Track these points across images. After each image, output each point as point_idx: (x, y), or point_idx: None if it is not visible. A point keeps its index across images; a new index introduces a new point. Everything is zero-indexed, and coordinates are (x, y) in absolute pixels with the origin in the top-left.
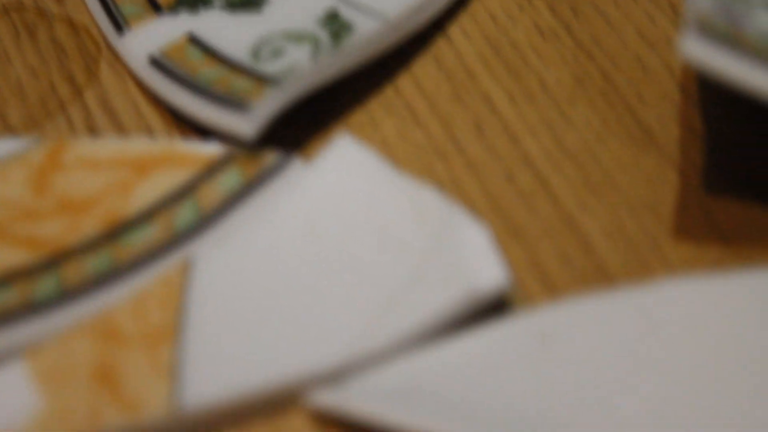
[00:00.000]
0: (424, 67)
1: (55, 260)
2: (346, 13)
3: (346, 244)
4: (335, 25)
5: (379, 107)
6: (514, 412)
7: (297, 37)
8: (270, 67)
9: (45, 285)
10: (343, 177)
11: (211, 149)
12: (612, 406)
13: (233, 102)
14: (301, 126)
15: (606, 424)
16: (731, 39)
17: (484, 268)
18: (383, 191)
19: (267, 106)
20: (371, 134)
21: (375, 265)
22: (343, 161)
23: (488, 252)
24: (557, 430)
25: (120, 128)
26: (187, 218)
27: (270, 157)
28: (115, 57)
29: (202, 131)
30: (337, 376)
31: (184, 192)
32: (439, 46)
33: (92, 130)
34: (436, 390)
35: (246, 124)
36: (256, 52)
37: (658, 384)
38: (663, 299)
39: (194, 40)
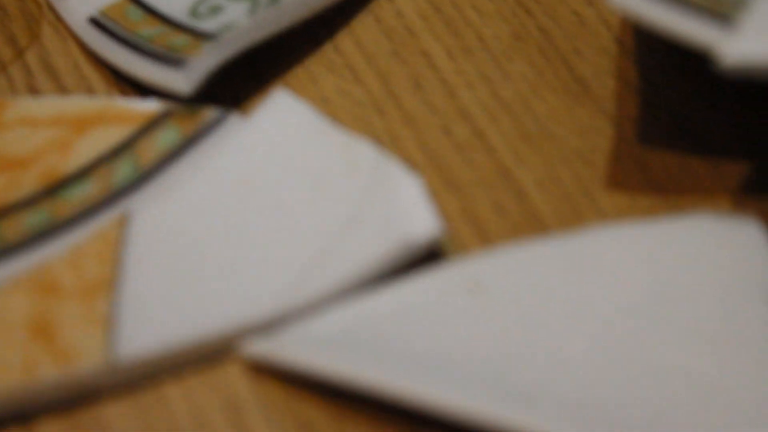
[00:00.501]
0: (363, 25)
1: None
2: None
3: (281, 196)
4: None
5: (318, 65)
6: (449, 359)
7: None
8: (208, 24)
9: None
10: (278, 130)
11: (149, 106)
12: (545, 350)
13: (170, 59)
14: (240, 84)
15: (540, 367)
16: None
17: (417, 217)
18: (318, 144)
19: (203, 62)
20: (311, 91)
21: (309, 215)
22: (279, 115)
23: (421, 201)
24: (490, 375)
25: (61, 88)
26: (125, 174)
27: (208, 113)
28: (57, 17)
29: (141, 89)
30: (271, 325)
31: (123, 148)
32: (380, 4)
33: (33, 90)
34: (370, 338)
35: (182, 80)
36: (194, 10)
37: (590, 328)
38: (594, 246)
39: (134, 0)
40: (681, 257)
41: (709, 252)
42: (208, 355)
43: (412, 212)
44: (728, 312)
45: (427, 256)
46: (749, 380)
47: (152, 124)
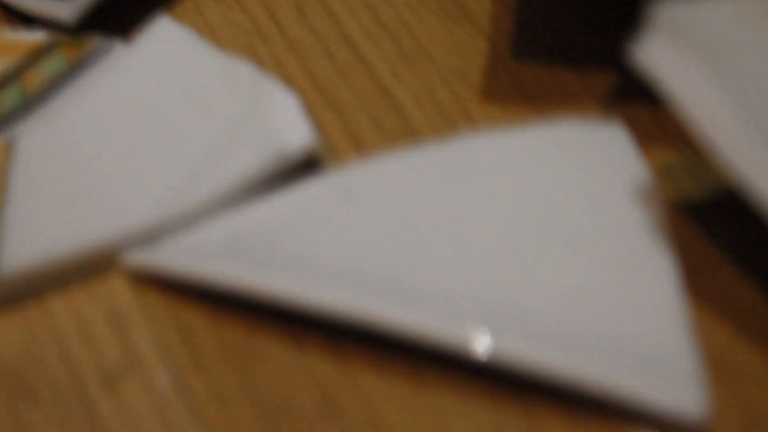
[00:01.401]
0: None
1: None
2: None
3: (162, 117)
4: None
5: None
6: (324, 263)
7: None
8: None
9: None
10: (160, 55)
11: (36, 37)
12: (421, 253)
13: None
14: (127, 14)
15: (413, 268)
16: None
17: (293, 129)
18: (199, 66)
19: None
20: (196, 19)
21: (189, 133)
22: (161, 40)
23: (298, 115)
24: (367, 278)
25: None
26: (11, 102)
27: (93, 41)
28: None
29: (28, 20)
30: (152, 237)
31: (9, 78)
32: None
33: None
34: (248, 246)
35: (67, 10)
36: None
37: (463, 230)
38: (466, 152)
39: None
40: (551, 161)
41: (579, 155)
42: (91, 268)
43: (288, 125)
44: (597, 212)
45: (305, 168)
46: (617, 278)
47: (38, 54)
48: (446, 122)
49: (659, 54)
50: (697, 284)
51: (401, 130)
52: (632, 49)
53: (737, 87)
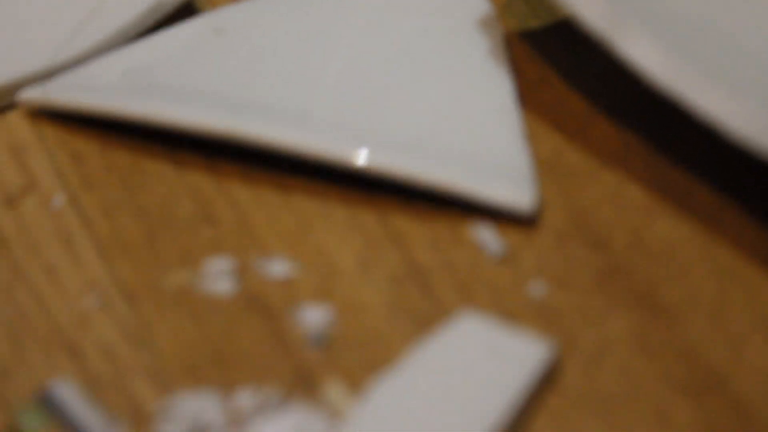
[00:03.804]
0: None
1: None
2: None
3: None
4: None
5: None
6: (201, 90)
7: None
8: None
9: None
10: None
11: None
12: (284, 76)
13: None
14: None
15: (279, 91)
16: None
17: None
18: None
19: None
20: None
21: None
22: None
23: None
24: (237, 100)
25: None
26: None
27: None
28: None
29: None
30: (46, 76)
31: None
32: None
33: None
34: (133, 79)
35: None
36: None
37: (324, 57)
38: None
39: None
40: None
41: None
42: None
43: None
44: (445, 41)
45: (183, 14)
46: (462, 96)
47: None
48: None
49: None
50: (531, 99)
51: None
52: None
53: None
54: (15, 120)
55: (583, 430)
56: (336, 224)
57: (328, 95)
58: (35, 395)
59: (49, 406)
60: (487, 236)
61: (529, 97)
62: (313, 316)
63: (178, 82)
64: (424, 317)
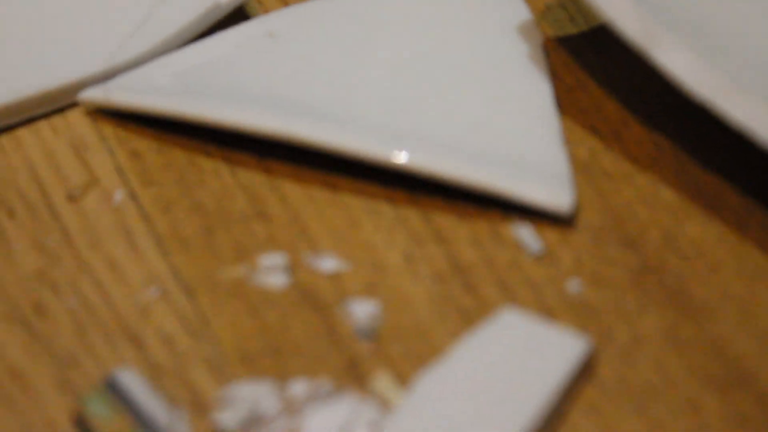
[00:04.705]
0: None
1: None
2: None
3: None
4: None
5: None
6: (253, 92)
7: None
8: None
9: None
10: None
11: None
12: (334, 80)
13: None
14: None
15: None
16: None
17: None
18: None
19: None
20: None
21: None
22: None
23: None
24: (289, 102)
25: None
26: None
27: None
28: None
29: None
30: (106, 77)
31: None
32: None
33: None
34: (189, 80)
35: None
36: None
37: (373, 62)
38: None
39: None
40: (445, 4)
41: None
42: (54, 104)
43: None
44: (485, 47)
45: (237, 18)
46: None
47: None
48: None
49: None
50: (568, 103)
51: None
52: None
53: None
54: (76, 119)
55: (616, 419)
56: (382, 222)
57: (374, 97)
58: (101, 383)
59: (114, 393)
60: (526, 235)
61: (566, 102)
62: (362, 310)
63: (231, 83)
64: (466, 312)
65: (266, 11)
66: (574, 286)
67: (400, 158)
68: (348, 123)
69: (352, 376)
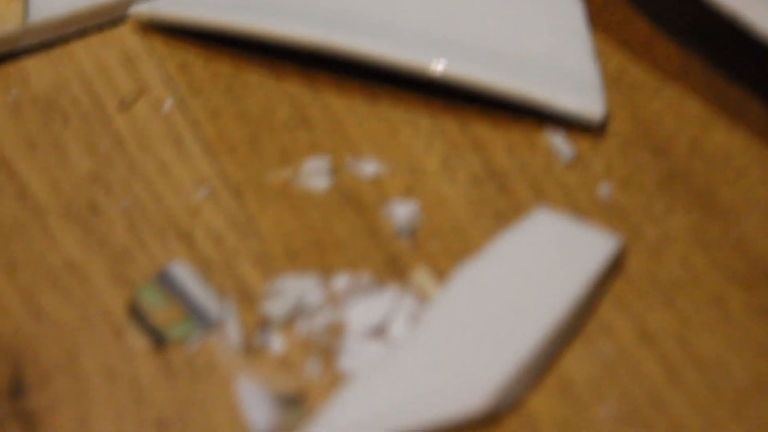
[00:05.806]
0: None
1: None
2: None
3: None
4: None
5: None
6: (299, 6)
7: None
8: None
9: None
10: None
11: None
12: None
13: None
14: None
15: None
16: None
17: None
18: None
19: None
20: None
21: None
22: None
23: None
24: (333, 15)
25: None
26: None
27: None
28: None
29: None
30: None
31: None
32: None
33: None
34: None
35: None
36: None
37: None
38: None
39: None
40: None
41: None
42: (106, 18)
43: None
44: None
45: None
46: (537, 14)
47: None
48: None
49: None
50: (600, 19)
51: None
52: None
53: None
54: (126, 33)
55: (645, 313)
56: (421, 130)
57: (413, 8)
58: (154, 275)
59: (166, 284)
60: (558, 142)
61: (597, 18)
62: (402, 211)
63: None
64: (501, 213)
65: None
66: (604, 189)
67: (438, 68)
68: (385, 34)
69: (392, 271)
